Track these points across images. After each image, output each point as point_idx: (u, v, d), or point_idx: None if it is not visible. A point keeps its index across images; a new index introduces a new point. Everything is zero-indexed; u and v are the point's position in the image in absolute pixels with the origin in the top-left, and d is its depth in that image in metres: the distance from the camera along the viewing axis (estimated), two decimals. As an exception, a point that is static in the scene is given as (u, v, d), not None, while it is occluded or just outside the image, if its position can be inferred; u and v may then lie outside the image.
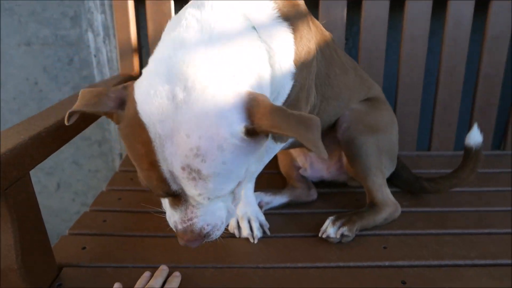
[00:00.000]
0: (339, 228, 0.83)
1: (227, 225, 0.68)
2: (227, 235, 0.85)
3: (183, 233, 0.60)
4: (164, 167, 0.53)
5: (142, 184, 0.58)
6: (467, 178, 0.97)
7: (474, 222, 0.90)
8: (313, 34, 0.75)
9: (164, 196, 0.59)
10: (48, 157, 0.71)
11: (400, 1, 1.18)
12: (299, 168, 1.05)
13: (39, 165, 0.69)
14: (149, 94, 0.53)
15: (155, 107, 0.52)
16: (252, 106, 0.53)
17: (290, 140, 0.86)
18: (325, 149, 0.51)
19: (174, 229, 0.62)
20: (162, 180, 0.54)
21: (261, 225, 0.87)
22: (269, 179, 1.11)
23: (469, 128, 1.09)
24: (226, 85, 0.53)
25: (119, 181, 1.11)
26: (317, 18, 0.96)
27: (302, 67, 0.71)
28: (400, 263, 0.78)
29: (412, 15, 1.18)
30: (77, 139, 1.45)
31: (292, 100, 0.73)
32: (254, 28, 0.63)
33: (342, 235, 0.82)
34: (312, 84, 0.80)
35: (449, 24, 1.18)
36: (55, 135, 0.72)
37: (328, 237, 0.83)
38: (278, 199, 0.97)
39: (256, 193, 0.93)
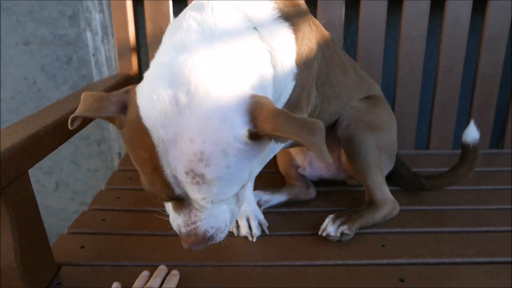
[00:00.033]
0: (339, 226, 0.83)
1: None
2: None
3: (187, 236, 0.60)
4: (167, 172, 0.53)
5: (145, 188, 0.58)
6: (465, 175, 0.97)
7: (472, 220, 0.91)
8: (314, 34, 0.75)
9: (168, 200, 0.59)
10: (46, 156, 0.71)
11: (398, 0, 1.18)
12: (298, 167, 1.06)
13: (37, 164, 0.69)
14: (152, 99, 0.53)
15: (158, 111, 0.52)
16: (255, 109, 0.52)
17: (290, 140, 0.86)
18: (329, 153, 0.50)
19: (177, 233, 0.62)
20: (165, 185, 0.54)
21: (259, 224, 0.87)
22: (268, 178, 1.11)
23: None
24: (229, 88, 0.53)
25: (118, 180, 1.11)
26: (315, 17, 0.97)
27: (304, 67, 0.71)
28: (398, 261, 0.78)
29: (410, 14, 1.18)
30: (76, 138, 1.45)
31: (294, 101, 0.73)
32: (255, 28, 0.63)
33: (342, 234, 0.82)
34: (313, 84, 0.80)
35: (447, 24, 1.18)
36: (54, 134, 0.73)
37: (328, 235, 0.83)
38: (277, 198, 0.97)
39: (255, 191, 0.93)
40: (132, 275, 0.73)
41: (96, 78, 1.40)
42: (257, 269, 0.76)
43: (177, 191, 0.55)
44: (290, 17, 0.68)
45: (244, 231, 0.84)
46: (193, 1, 0.66)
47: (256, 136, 0.52)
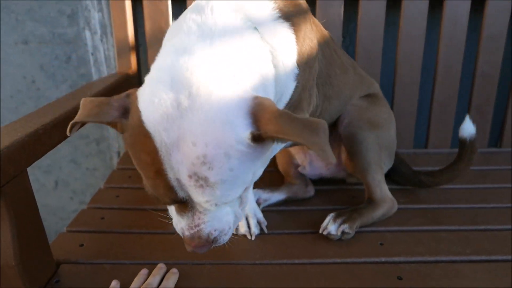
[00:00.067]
0: (340, 225, 0.83)
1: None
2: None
3: (190, 239, 0.59)
4: (170, 175, 0.53)
5: (148, 192, 0.58)
6: (463, 170, 0.98)
7: (470, 219, 0.91)
8: (314, 33, 0.75)
9: (171, 204, 0.58)
10: (45, 154, 0.71)
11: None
12: (297, 165, 1.06)
13: (36, 163, 0.69)
14: (153, 103, 0.52)
15: (160, 115, 0.52)
16: (257, 111, 0.52)
17: None
18: (332, 153, 0.49)
19: (181, 235, 0.61)
20: (169, 188, 0.54)
21: (258, 222, 0.87)
22: (267, 176, 1.11)
23: (465, 126, 1.10)
24: (231, 90, 0.53)
25: (117, 179, 1.11)
26: (314, 15, 0.97)
27: (305, 67, 0.71)
28: (397, 259, 0.78)
29: (409, 14, 1.18)
30: (75, 137, 1.45)
31: (295, 101, 0.73)
32: (255, 28, 0.63)
33: (343, 233, 0.83)
34: (314, 84, 0.80)
35: (445, 23, 1.18)
36: (52, 133, 0.73)
37: (329, 234, 0.83)
38: (276, 196, 0.98)
39: (254, 190, 0.94)
40: (131, 273, 0.73)
41: (95, 77, 1.40)
42: (256, 268, 0.76)
43: (181, 194, 0.55)
44: (290, 16, 0.67)
45: (243, 229, 0.85)
46: (193, 3, 0.66)
47: (259, 138, 0.52)
